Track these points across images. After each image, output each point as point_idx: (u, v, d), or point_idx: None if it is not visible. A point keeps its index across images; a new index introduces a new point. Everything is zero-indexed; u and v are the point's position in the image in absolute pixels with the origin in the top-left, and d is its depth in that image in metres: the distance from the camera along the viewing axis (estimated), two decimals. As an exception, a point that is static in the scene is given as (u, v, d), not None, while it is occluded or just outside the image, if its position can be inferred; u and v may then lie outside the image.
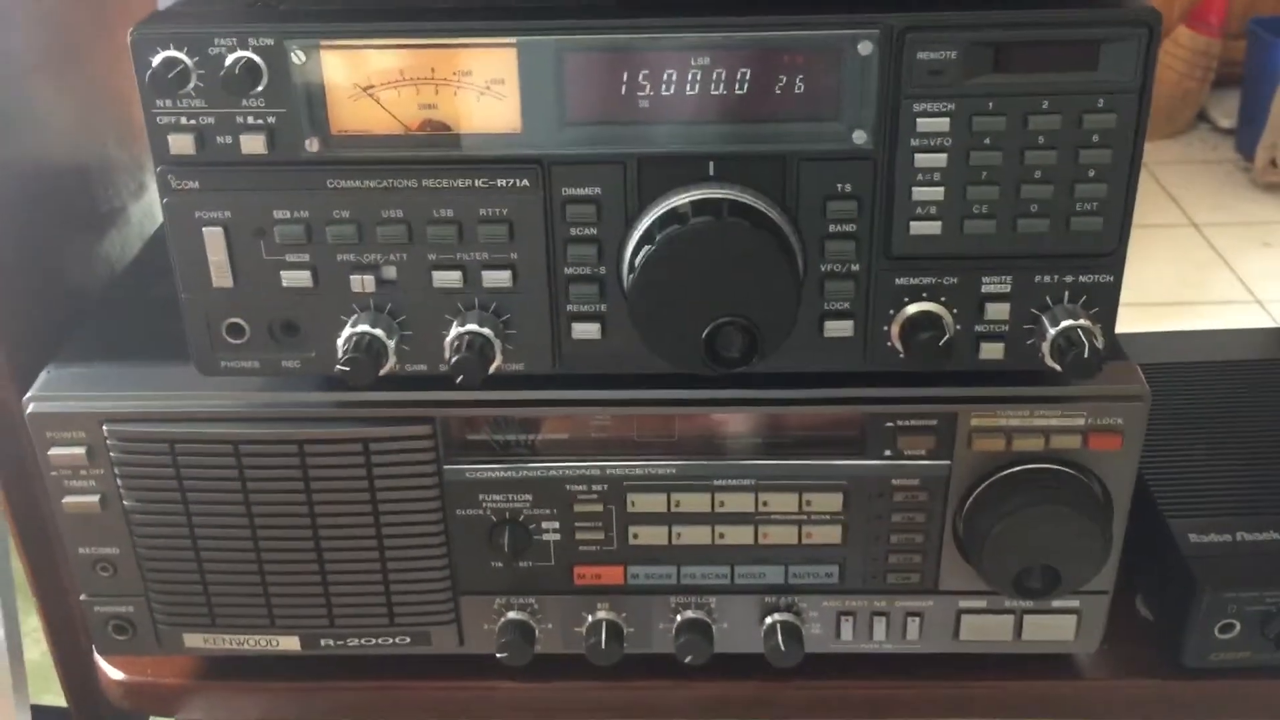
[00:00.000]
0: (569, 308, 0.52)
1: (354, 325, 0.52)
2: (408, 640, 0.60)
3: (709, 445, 0.57)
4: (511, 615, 0.60)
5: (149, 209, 0.75)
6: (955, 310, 0.52)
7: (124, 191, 0.73)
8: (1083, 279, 0.51)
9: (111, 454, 0.56)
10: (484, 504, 0.57)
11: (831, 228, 0.51)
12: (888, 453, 0.56)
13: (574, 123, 0.49)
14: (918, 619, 0.60)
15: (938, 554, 0.58)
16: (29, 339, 0.61)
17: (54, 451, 0.56)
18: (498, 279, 0.52)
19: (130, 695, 0.64)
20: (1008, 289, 0.51)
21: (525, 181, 0.50)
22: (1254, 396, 0.71)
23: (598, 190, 0.50)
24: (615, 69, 0.48)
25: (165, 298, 0.54)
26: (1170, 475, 0.65)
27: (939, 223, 0.50)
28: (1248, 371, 0.73)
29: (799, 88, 0.49)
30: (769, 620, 0.59)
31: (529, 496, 0.57)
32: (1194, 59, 2.40)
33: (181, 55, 0.48)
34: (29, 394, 0.56)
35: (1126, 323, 0.53)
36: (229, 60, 0.48)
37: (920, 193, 0.50)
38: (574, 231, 0.51)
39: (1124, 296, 0.52)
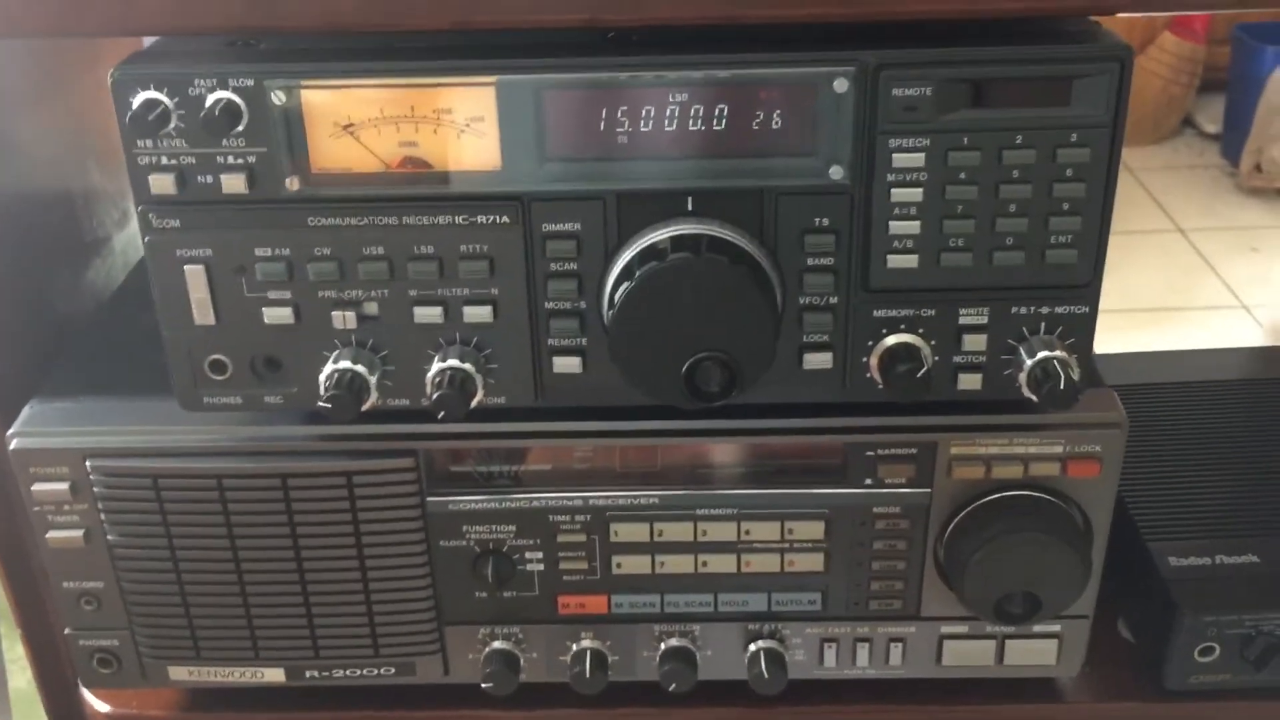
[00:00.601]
0: (550, 342, 0.53)
1: (336, 361, 0.52)
2: (393, 671, 0.60)
3: (691, 475, 0.57)
4: (496, 645, 0.60)
5: (133, 238, 0.75)
6: (933, 342, 0.52)
7: (108, 221, 0.73)
8: (1058, 310, 0.52)
9: (95, 489, 0.56)
10: (467, 535, 0.58)
11: (810, 261, 0.51)
12: (869, 481, 0.56)
13: (553, 159, 0.50)
14: (900, 645, 0.60)
15: (919, 580, 0.58)
16: (12, 371, 0.61)
17: (37, 487, 0.56)
18: (479, 314, 0.52)
19: (116, 727, 0.65)
20: (985, 321, 0.52)
21: (505, 218, 0.50)
22: (1233, 418, 0.72)
23: (577, 226, 0.50)
24: (594, 106, 0.49)
25: (149, 328, 0.54)
26: (1150, 498, 0.65)
27: (916, 256, 0.51)
28: (1227, 392, 0.74)
29: (776, 124, 0.49)
30: (753, 647, 0.60)
31: (512, 527, 0.58)
32: (1179, 65, 2.41)
33: (162, 96, 0.48)
34: (12, 429, 0.56)
35: (1114, 330, 0.54)
36: (209, 101, 0.48)
37: (897, 226, 0.50)
38: (554, 267, 0.51)
39: (1111, 303, 0.52)
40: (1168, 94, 2.42)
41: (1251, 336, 1.91)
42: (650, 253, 0.49)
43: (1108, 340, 0.59)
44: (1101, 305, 0.52)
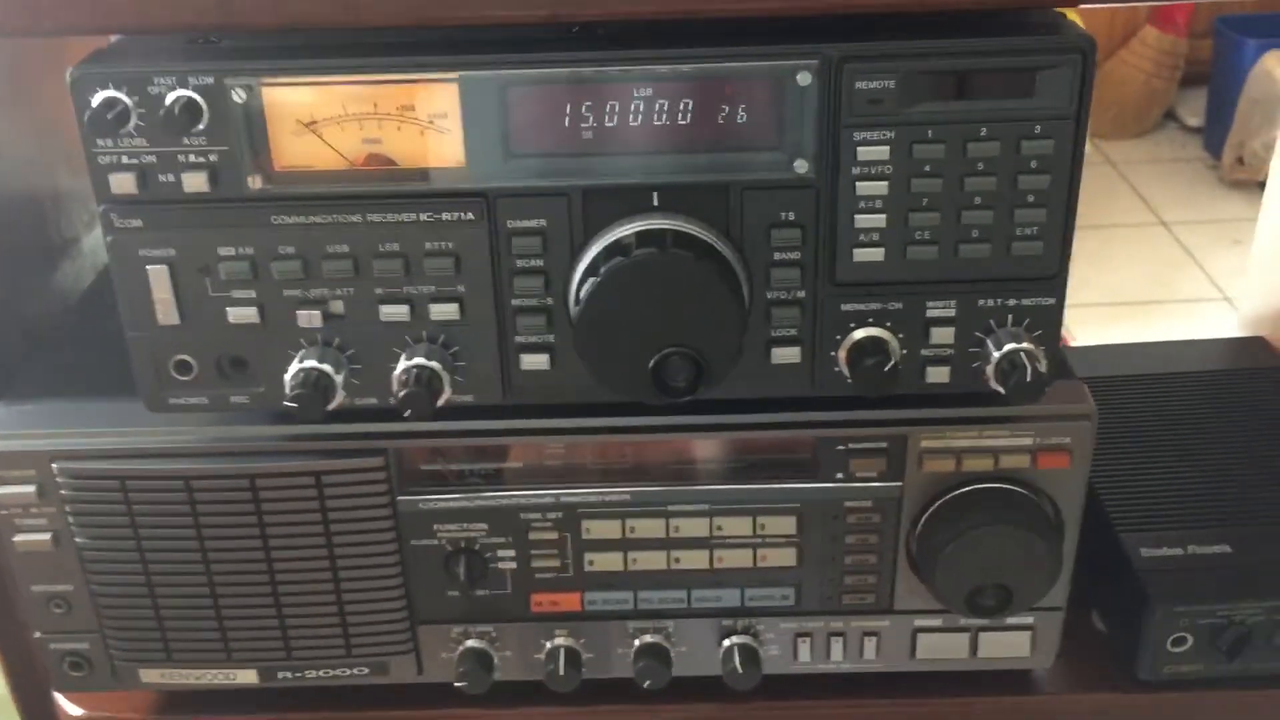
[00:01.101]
0: (517, 339, 0.52)
1: (302, 360, 0.52)
2: (366, 670, 0.60)
3: (662, 471, 0.57)
4: (470, 644, 0.60)
5: (101, 239, 0.74)
6: (901, 335, 0.52)
7: (77, 222, 0.73)
8: (1025, 302, 0.52)
9: (62, 491, 0.56)
10: (439, 534, 0.57)
11: (776, 255, 0.51)
12: (840, 475, 0.56)
13: (518, 155, 0.49)
14: (874, 639, 0.60)
15: (892, 574, 0.58)
16: (-21, 375, 0.60)
17: (3, 490, 0.56)
18: (445, 312, 0.52)
19: (89, 730, 0.64)
20: (952, 313, 0.52)
21: (470, 214, 0.50)
22: (1204, 408, 0.72)
23: (543, 222, 0.50)
24: (558, 102, 0.49)
25: (116, 330, 0.54)
26: (1122, 489, 0.65)
27: (882, 249, 0.51)
28: (1198, 383, 0.74)
29: (740, 118, 0.49)
30: (727, 643, 0.60)
31: (484, 525, 0.57)
32: (1161, 58, 2.42)
33: (121, 95, 0.48)
34: (-22, 432, 0.56)
35: (1096, 323, 0.54)
36: (169, 99, 0.48)
37: (862, 220, 0.50)
38: (520, 263, 0.51)
39: (1094, 296, 0.52)
40: (1149, 87, 2.43)
41: (1234, 328, 1.91)
42: (615, 248, 0.49)
43: (1090, 333, 0.59)
44: (1084, 298, 0.52)
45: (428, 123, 0.49)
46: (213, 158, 0.49)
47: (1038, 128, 0.48)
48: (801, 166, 0.49)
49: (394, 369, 0.52)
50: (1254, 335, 0.83)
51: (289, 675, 0.60)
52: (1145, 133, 2.50)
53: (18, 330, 0.65)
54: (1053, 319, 0.52)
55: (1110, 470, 0.65)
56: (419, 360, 0.52)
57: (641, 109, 0.49)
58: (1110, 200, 2.22)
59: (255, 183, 0.50)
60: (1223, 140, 2.29)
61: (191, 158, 0.49)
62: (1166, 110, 2.52)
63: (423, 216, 0.50)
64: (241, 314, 0.52)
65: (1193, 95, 2.48)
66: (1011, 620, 0.59)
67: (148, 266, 0.51)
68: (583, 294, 0.49)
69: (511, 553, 0.58)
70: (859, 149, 0.49)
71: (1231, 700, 0.61)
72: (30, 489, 0.56)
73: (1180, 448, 0.68)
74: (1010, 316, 0.52)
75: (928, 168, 0.49)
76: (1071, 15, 0.52)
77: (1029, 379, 0.50)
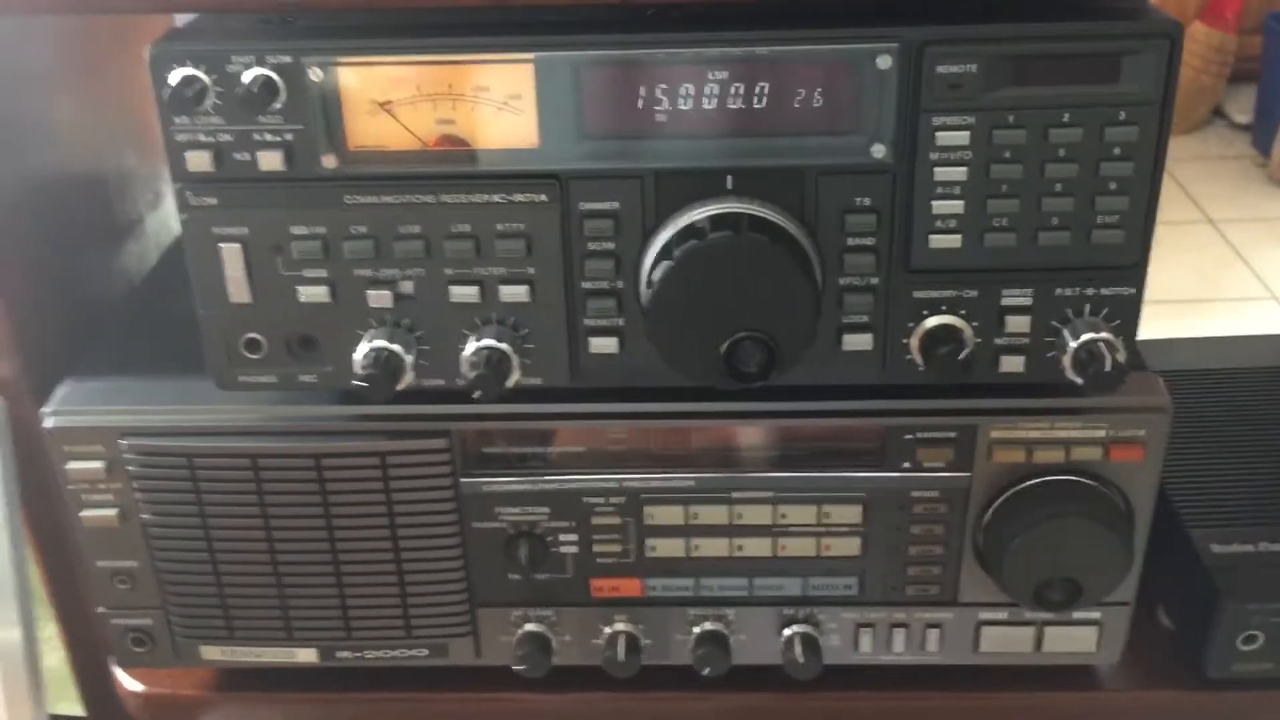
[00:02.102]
0: (586, 322, 0.52)
1: (371, 340, 0.52)
2: (425, 652, 0.60)
3: (726, 457, 0.57)
4: (529, 627, 0.60)
5: (165, 220, 0.75)
6: (975, 323, 0.52)
7: (141, 203, 0.73)
8: (1104, 291, 0.51)
9: (129, 468, 0.56)
10: (501, 517, 0.57)
11: (850, 241, 0.50)
12: (907, 465, 0.56)
13: (591, 137, 0.49)
14: (937, 630, 0.59)
15: (957, 566, 0.58)
16: (47, 352, 0.61)
17: (72, 465, 0.56)
18: (515, 294, 0.52)
19: (148, 706, 0.65)
20: (1028, 302, 0.51)
21: (543, 196, 0.50)
22: (1275, 403, 0.70)
23: (615, 205, 0.50)
24: (632, 83, 0.48)
25: (182, 310, 0.54)
26: (1192, 484, 0.64)
27: (959, 236, 0.50)
28: (1269, 378, 0.73)
29: (817, 101, 0.48)
30: (787, 632, 0.59)
31: (546, 509, 0.57)
32: (1209, 54, 2.38)
33: (199, 73, 0.48)
34: (47, 408, 0.56)
35: (1144, 320, 0.53)
36: (246, 77, 0.48)
37: (940, 206, 0.49)
38: (591, 246, 0.51)
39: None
40: (1198, 84, 2.39)
41: (1283, 328, 1.89)
42: (689, 231, 0.49)
43: (1139, 331, 0.58)
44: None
45: (502, 103, 0.49)
46: (288, 136, 0.49)
47: (1122, 114, 0.48)
48: (879, 151, 0.49)
49: (463, 350, 0.52)
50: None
51: (348, 655, 0.60)
52: (1193, 129, 2.46)
53: (84, 310, 0.66)
54: (1132, 309, 0.51)
55: (1179, 465, 0.64)
56: (489, 342, 0.52)
57: (716, 92, 0.48)
58: (1156, 197, 2.19)
59: (329, 162, 0.50)
60: (1271, 138, 2.26)
61: (267, 136, 0.49)
62: (1215, 107, 2.49)
63: (495, 198, 0.50)
64: (312, 293, 0.52)
65: (1241, 92, 2.44)
66: (1078, 615, 0.58)
67: (221, 245, 0.51)
68: (655, 277, 0.49)
69: (573, 537, 0.58)
70: (938, 134, 0.48)
71: (1301, 701, 0.60)
72: (98, 465, 0.56)
73: (1250, 443, 0.67)
74: (1088, 306, 0.51)
75: (1008, 154, 0.48)
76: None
77: (1108, 369, 0.50)
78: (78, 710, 0.72)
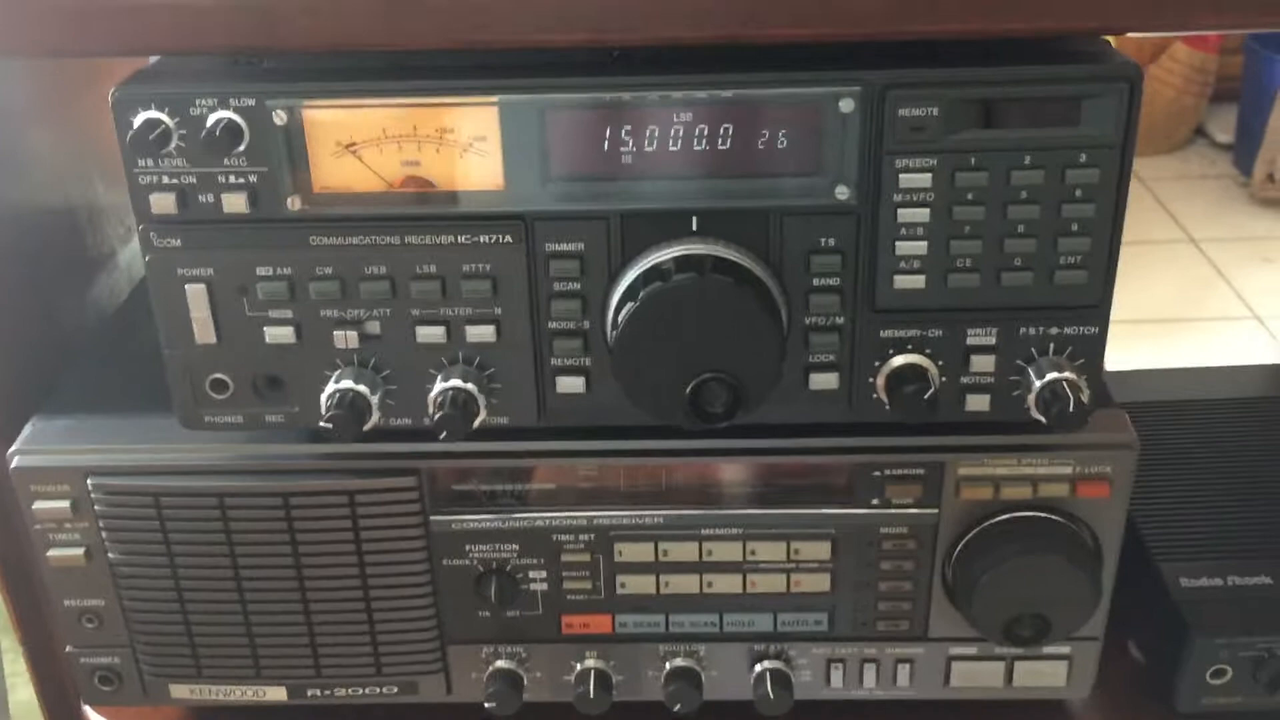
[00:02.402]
0: (553, 361, 0.52)
1: (337, 381, 0.52)
2: (395, 690, 0.60)
3: (696, 494, 0.57)
4: (499, 664, 0.60)
5: (137, 254, 0.75)
6: (941, 362, 0.52)
7: (113, 236, 0.73)
8: (1067, 331, 0.51)
9: (96, 507, 0.56)
10: (470, 554, 0.57)
11: (815, 281, 0.51)
12: (875, 501, 0.56)
13: (557, 179, 0.49)
14: (908, 666, 0.59)
15: (927, 601, 0.58)
16: (15, 388, 0.61)
17: (38, 505, 0.56)
18: (481, 334, 0.52)
19: (118, 745, 0.64)
20: (993, 341, 0.51)
21: (508, 237, 0.50)
22: (1245, 436, 0.71)
23: (581, 246, 0.50)
24: (597, 126, 0.48)
25: (152, 345, 0.54)
26: (1160, 517, 0.64)
27: (923, 276, 0.50)
28: (1239, 410, 0.73)
29: (781, 143, 0.48)
30: (758, 668, 0.59)
31: (516, 546, 0.57)
32: (1191, 74, 2.40)
33: (163, 116, 0.48)
34: (13, 447, 0.56)
35: (1124, 340, 0.53)
36: (210, 120, 0.48)
37: (904, 247, 0.50)
38: (557, 287, 0.51)
39: (1121, 314, 0.52)
40: (1180, 104, 2.41)
41: (1264, 347, 1.90)
42: (654, 273, 0.49)
43: (1117, 351, 0.59)
44: (1111, 315, 0.52)
45: (467, 145, 0.49)
46: (252, 179, 0.49)
47: (1083, 156, 0.48)
48: (843, 193, 0.49)
49: (429, 390, 0.52)
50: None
51: (318, 693, 0.60)
52: (1175, 149, 2.48)
53: (53, 344, 0.66)
54: (1095, 348, 0.51)
55: (1148, 498, 0.64)
56: (454, 382, 0.52)
57: (681, 134, 0.48)
58: (1139, 216, 2.20)
59: (294, 204, 0.50)
60: (1253, 157, 2.27)
61: (231, 178, 0.49)
62: (1196, 126, 2.51)
63: (461, 239, 0.50)
64: (278, 334, 0.52)
65: (1223, 112, 2.46)
66: (1048, 649, 0.58)
67: (186, 285, 0.51)
68: (620, 318, 0.49)
69: (543, 574, 0.58)
70: (901, 176, 0.48)
71: (1271, 735, 0.60)
72: (65, 504, 0.56)
73: (1220, 476, 0.67)
74: (1052, 345, 0.51)
75: (970, 195, 0.49)
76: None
77: (1071, 409, 0.50)
78: (49, 746, 0.72)
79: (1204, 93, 2.43)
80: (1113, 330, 0.52)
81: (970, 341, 0.51)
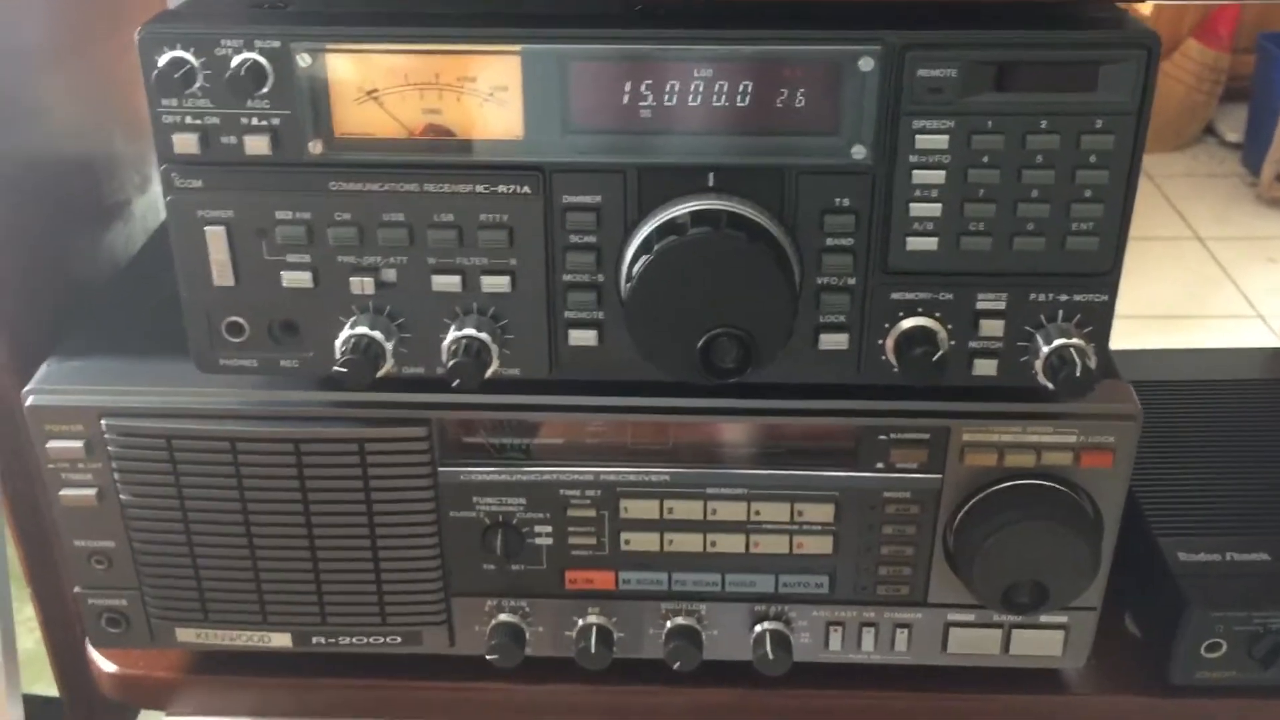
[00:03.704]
0: (567, 314, 0.53)
1: (352, 327, 0.52)
2: (399, 640, 0.61)
3: (703, 453, 0.57)
4: (502, 617, 0.60)
5: (153, 203, 0.75)
6: (950, 326, 0.52)
7: (129, 185, 0.73)
8: (1077, 298, 0.51)
9: (109, 448, 0.56)
10: (478, 506, 0.58)
11: (829, 241, 0.51)
12: (880, 465, 0.56)
13: (576, 131, 0.50)
14: (906, 630, 0.60)
15: (927, 567, 0.58)
16: (30, 331, 0.61)
17: (52, 444, 0.56)
18: (497, 284, 0.52)
19: (122, 688, 0.65)
20: (1002, 306, 0.52)
21: (526, 188, 0.50)
22: (1247, 416, 0.71)
23: (598, 198, 0.50)
24: (618, 79, 0.49)
25: (167, 292, 0.55)
26: (1161, 493, 0.65)
27: (935, 239, 0.51)
28: (1241, 391, 0.73)
29: (799, 102, 0.49)
30: (758, 629, 0.60)
31: (523, 500, 0.58)
32: (1202, 72, 2.40)
33: (188, 55, 0.48)
34: (28, 386, 0.57)
35: (1128, 335, 0.54)
36: (235, 61, 0.48)
37: (918, 209, 0.50)
38: (573, 239, 0.51)
39: (1126, 309, 0.52)
40: (1190, 101, 2.41)
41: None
42: (669, 227, 0.49)
43: (1122, 346, 0.59)
44: (1116, 310, 0.52)
45: (488, 95, 0.49)
46: (275, 121, 0.49)
47: (1099, 122, 0.48)
48: (859, 152, 0.49)
49: (443, 339, 0.53)
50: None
51: (323, 640, 0.61)
52: (1184, 146, 2.48)
53: (69, 290, 0.66)
54: (1104, 316, 0.52)
55: (1150, 473, 0.65)
56: (469, 331, 0.52)
57: (701, 89, 0.49)
58: (1146, 213, 2.20)
59: (316, 148, 0.50)
60: (1262, 157, 2.27)
61: (254, 120, 0.49)
62: (1206, 125, 2.50)
63: (479, 188, 0.50)
64: (295, 278, 0.52)
65: (1233, 110, 2.46)
66: (1045, 619, 0.59)
67: (206, 227, 0.51)
68: (635, 271, 0.49)
69: (549, 529, 0.58)
70: (918, 137, 0.49)
71: (1264, 709, 0.60)
72: (78, 444, 0.56)
73: (1221, 454, 0.68)
74: (1061, 311, 0.52)
75: (986, 158, 0.49)
76: (1143, 8, 0.52)
77: (1078, 375, 0.50)
78: (53, 692, 0.73)
79: (1215, 91, 2.43)
80: (1117, 325, 0.53)
81: (980, 306, 0.52)
